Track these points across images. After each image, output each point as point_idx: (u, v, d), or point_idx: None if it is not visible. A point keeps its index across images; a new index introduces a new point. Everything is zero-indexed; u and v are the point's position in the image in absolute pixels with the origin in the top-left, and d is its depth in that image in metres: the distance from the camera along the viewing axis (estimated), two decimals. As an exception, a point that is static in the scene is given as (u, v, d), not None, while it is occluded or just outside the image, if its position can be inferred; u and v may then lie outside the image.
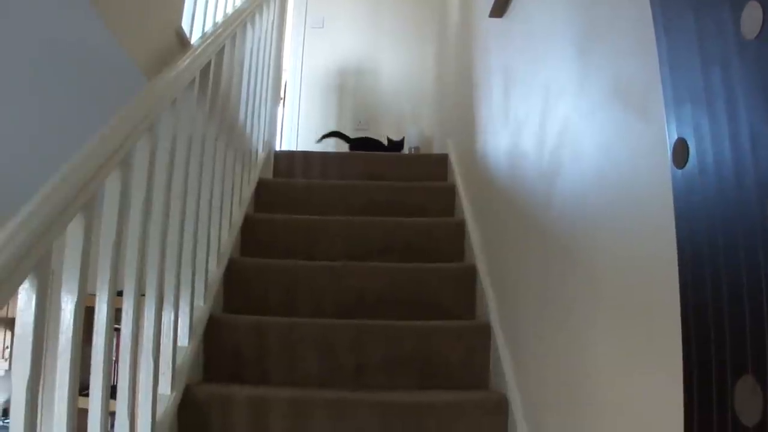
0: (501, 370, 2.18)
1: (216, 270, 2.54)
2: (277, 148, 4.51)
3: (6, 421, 3.91)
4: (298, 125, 5.46)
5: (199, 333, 2.27)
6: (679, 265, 0.84)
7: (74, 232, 1.33)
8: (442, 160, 3.97)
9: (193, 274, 2.19)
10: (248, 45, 3.07)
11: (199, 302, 2.31)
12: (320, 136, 5.03)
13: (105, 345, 1.47)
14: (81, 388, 1.36)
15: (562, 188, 1.64)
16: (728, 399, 0.70)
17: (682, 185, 0.82)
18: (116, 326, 1.56)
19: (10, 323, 4.30)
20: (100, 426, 1.46)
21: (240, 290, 2.71)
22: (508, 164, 2.30)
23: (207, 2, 2.66)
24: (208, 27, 2.59)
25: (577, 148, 1.53)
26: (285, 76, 5.17)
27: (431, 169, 3.91)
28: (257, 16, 3.23)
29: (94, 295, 1.49)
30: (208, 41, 2.31)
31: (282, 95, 5.10)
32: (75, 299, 1.33)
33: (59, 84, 2.14)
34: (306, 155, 4.16)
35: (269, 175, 3.87)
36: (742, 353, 0.68)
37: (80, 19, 1.74)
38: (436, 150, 4.76)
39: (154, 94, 1.77)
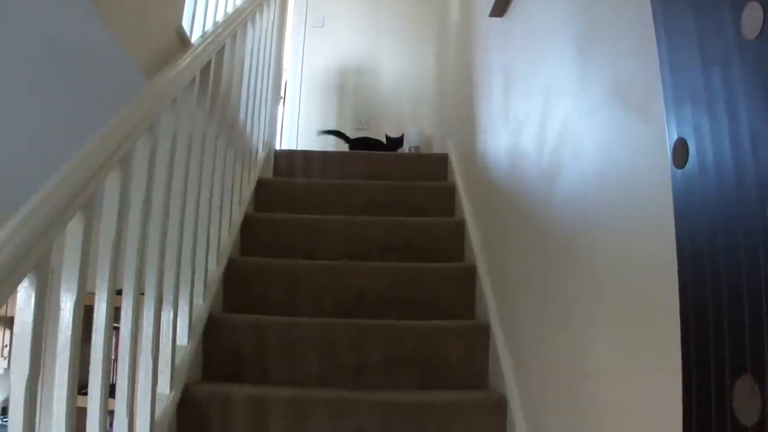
0: (500, 370, 2.18)
1: (215, 269, 2.54)
2: (277, 148, 4.51)
3: (5, 419, 3.91)
4: (298, 125, 5.46)
5: (198, 332, 2.27)
6: (678, 264, 0.84)
7: (74, 231, 1.33)
8: (442, 159, 3.96)
9: (193, 273, 2.19)
10: (248, 44, 3.07)
11: (199, 301, 2.31)
12: (322, 130, 5.03)
13: (104, 344, 1.47)
14: (80, 386, 1.36)
15: (562, 188, 1.64)
16: (727, 398, 0.70)
17: (682, 185, 0.82)
18: (115, 325, 1.56)
19: (9, 322, 4.29)
20: (99, 425, 1.46)
21: (240, 289, 2.71)
22: (508, 164, 2.30)
23: (207, 1, 2.66)
24: (209, 26, 2.59)
25: (578, 148, 1.53)
26: (285, 76, 5.17)
27: (431, 168, 3.91)
28: (258, 16, 3.23)
29: (94, 293, 1.49)
30: (208, 40, 2.31)
31: (282, 94, 5.10)
32: (74, 298, 1.32)
33: (59, 84, 2.14)
34: (306, 154, 4.16)
35: (269, 175, 3.87)
36: (741, 353, 0.68)
37: (80, 19, 1.73)
38: (436, 149, 4.76)
39: (155, 94, 1.77)
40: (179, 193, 2.03)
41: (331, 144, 5.30)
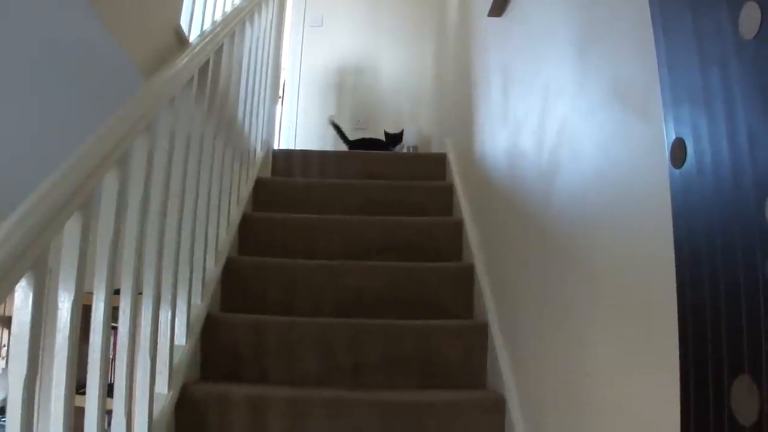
0: (499, 370, 2.18)
1: (214, 268, 2.54)
2: (276, 147, 4.51)
3: (3, 419, 3.91)
4: (296, 124, 5.46)
5: (196, 332, 2.27)
6: (676, 264, 0.84)
7: (72, 230, 1.33)
8: (441, 159, 3.96)
9: (191, 273, 2.19)
10: (247, 43, 3.07)
11: (197, 301, 2.30)
12: (333, 121, 5.01)
13: (102, 343, 1.47)
14: (78, 386, 1.36)
15: (561, 188, 1.64)
16: (725, 398, 0.70)
17: (680, 185, 0.82)
18: (113, 325, 1.55)
19: (6, 321, 4.29)
20: (96, 425, 1.45)
21: (238, 289, 2.70)
22: (506, 164, 2.30)
23: (206, 1, 2.65)
24: (207, 25, 2.59)
25: (576, 148, 1.53)
26: (284, 75, 5.17)
27: (429, 168, 3.91)
28: (256, 15, 3.22)
29: (92, 293, 1.48)
30: (206, 40, 2.31)
31: (280, 94, 5.10)
32: (72, 297, 1.32)
33: (59, 84, 2.14)
34: (304, 154, 4.16)
35: (267, 174, 3.86)
36: (738, 353, 0.68)
37: (79, 18, 1.73)
38: (435, 149, 4.76)
39: (153, 93, 1.77)
40: (177, 192, 2.02)
41: (330, 143, 5.30)
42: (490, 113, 2.65)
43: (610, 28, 1.34)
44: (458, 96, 3.67)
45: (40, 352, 1.17)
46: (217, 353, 2.36)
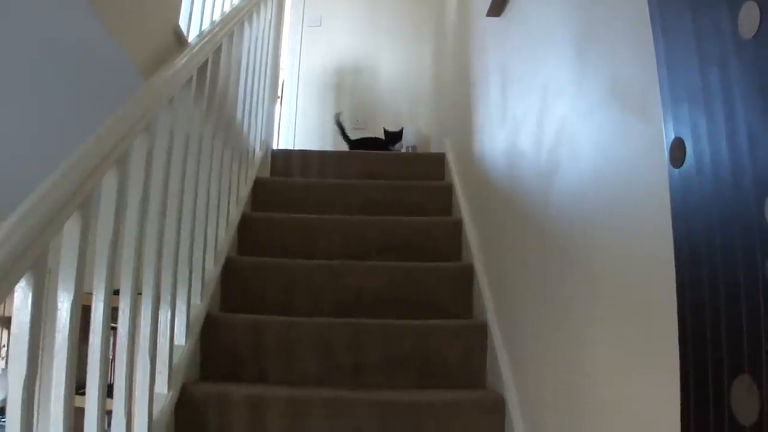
0: (498, 370, 2.18)
1: (213, 268, 2.54)
2: (275, 147, 4.51)
3: (3, 419, 3.91)
4: (295, 124, 5.45)
5: (196, 332, 2.26)
6: (676, 264, 0.84)
7: (71, 230, 1.33)
8: (440, 159, 3.96)
9: (190, 273, 2.19)
10: (246, 43, 3.07)
11: (196, 301, 2.30)
12: (337, 120, 5.01)
13: (102, 344, 1.47)
14: (78, 386, 1.36)
15: (559, 187, 1.64)
16: (725, 398, 0.70)
17: (679, 185, 0.82)
18: (113, 325, 1.55)
19: (6, 322, 4.29)
20: (96, 425, 1.45)
21: (237, 289, 2.70)
22: (505, 163, 2.30)
23: (204, 1, 2.65)
24: (206, 26, 2.59)
25: (575, 148, 1.53)
26: (282, 75, 5.16)
27: (428, 168, 3.91)
28: (255, 15, 3.22)
29: (91, 293, 1.48)
30: (205, 40, 2.30)
31: (279, 94, 5.10)
32: (71, 298, 1.32)
33: (59, 84, 2.14)
34: (303, 154, 4.16)
35: (266, 174, 3.86)
36: (738, 353, 0.68)
37: (78, 18, 1.73)
38: (434, 149, 4.76)
39: (152, 93, 1.77)
40: (176, 192, 2.02)
41: (329, 143, 5.30)
42: (488, 113, 2.65)
43: (609, 28, 1.34)
44: (457, 96, 3.67)
45: (40, 353, 1.17)
46: (216, 353, 2.36)
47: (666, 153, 0.85)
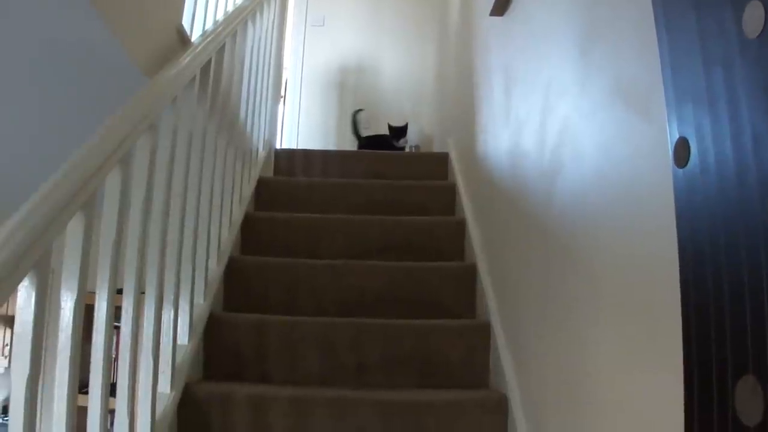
0: (501, 369, 2.18)
1: (216, 268, 2.54)
2: (278, 147, 4.51)
3: (6, 418, 3.92)
4: (298, 123, 5.46)
5: (199, 331, 2.27)
6: (680, 264, 0.84)
7: (74, 230, 1.33)
8: (443, 158, 3.96)
9: (193, 272, 2.19)
10: (249, 43, 3.07)
11: (199, 300, 2.31)
12: (354, 115, 5.03)
13: (105, 343, 1.47)
14: (80, 386, 1.36)
15: (562, 187, 1.64)
16: (729, 399, 0.70)
17: (684, 185, 0.82)
18: (116, 324, 1.56)
19: (10, 321, 4.30)
20: (99, 424, 1.45)
21: (240, 288, 2.71)
22: (508, 163, 2.30)
23: (207, 0, 2.65)
24: (209, 25, 2.59)
25: (578, 148, 1.53)
26: (285, 74, 5.16)
27: (432, 167, 3.91)
28: (258, 14, 3.22)
29: (94, 292, 1.48)
30: (208, 39, 2.31)
31: (282, 93, 5.10)
32: (75, 297, 1.32)
33: (59, 84, 2.14)
34: (306, 153, 4.16)
35: (270, 174, 3.86)
36: (743, 353, 0.68)
37: (80, 19, 1.73)
38: (437, 149, 4.75)
39: (155, 92, 1.77)
40: (180, 192, 2.02)
41: (332, 143, 5.30)
42: (492, 113, 2.65)
43: (613, 28, 1.34)
44: (460, 95, 3.67)
45: (43, 352, 1.17)
46: (219, 353, 2.36)
47: (670, 153, 0.85)
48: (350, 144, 5.25)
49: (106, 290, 1.50)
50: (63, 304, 1.32)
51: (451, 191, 3.51)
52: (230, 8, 2.82)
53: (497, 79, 2.56)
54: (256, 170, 3.47)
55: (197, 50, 2.16)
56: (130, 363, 1.64)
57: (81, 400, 1.35)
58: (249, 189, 3.25)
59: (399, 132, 4.84)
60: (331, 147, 5.18)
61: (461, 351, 2.38)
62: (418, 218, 3.15)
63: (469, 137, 3.20)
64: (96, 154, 1.40)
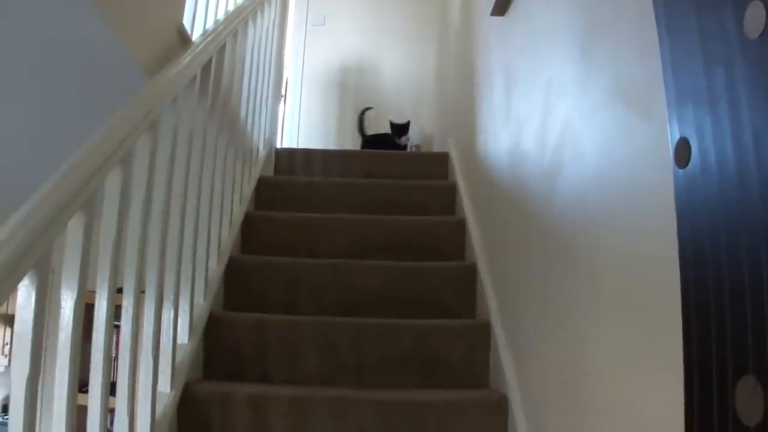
0: (501, 369, 2.18)
1: (216, 267, 2.54)
2: (278, 146, 4.51)
3: (6, 417, 3.92)
4: (299, 123, 5.46)
5: (199, 331, 2.27)
6: (680, 263, 0.84)
7: (74, 229, 1.33)
8: (443, 158, 3.96)
9: (194, 272, 2.19)
10: (249, 42, 3.07)
11: (199, 300, 2.30)
12: (361, 113, 5.04)
13: (105, 342, 1.47)
14: (80, 385, 1.36)
15: (563, 187, 1.64)
16: (729, 399, 0.69)
17: (684, 185, 0.82)
18: (116, 323, 1.56)
19: (10, 320, 4.30)
20: (99, 423, 1.45)
21: (240, 288, 2.71)
22: (509, 163, 2.30)
23: (208, 0, 2.66)
24: (210, 24, 2.59)
25: (579, 148, 1.53)
26: (286, 74, 5.16)
27: (432, 167, 3.91)
28: (259, 14, 3.22)
29: (94, 292, 1.48)
30: (209, 39, 2.31)
31: (283, 93, 5.10)
32: (75, 296, 1.32)
33: (59, 84, 2.14)
34: (307, 153, 4.16)
35: (270, 173, 3.86)
36: (743, 353, 0.68)
37: (81, 18, 1.73)
38: (437, 148, 4.75)
39: (155, 92, 1.77)
40: (180, 191, 2.02)
41: (333, 142, 5.30)
42: (492, 113, 2.65)
43: (614, 28, 1.33)
44: (460, 95, 3.67)
45: (43, 351, 1.17)
46: (219, 352, 2.36)
47: (671, 153, 0.85)
48: (351, 143, 5.25)
49: (106, 289, 1.50)
50: (63, 303, 1.32)
51: (452, 191, 3.51)
52: (231, 7, 2.82)
53: (498, 78, 2.56)
54: (257, 170, 3.47)
55: (198, 50, 2.16)
56: (130, 362, 1.64)
57: (81, 399, 1.35)
58: (249, 188, 3.25)
59: (401, 129, 4.84)
60: (331, 146, 5.18)
61: (461, 351, 2.38)
62: (419, 218, 3.15)
63: (470, 137, 3.20)
64: (96, 153, 1.40)
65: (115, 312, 1.54)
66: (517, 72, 2.24)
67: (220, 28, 2.46)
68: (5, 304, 3.73)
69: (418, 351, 2.37)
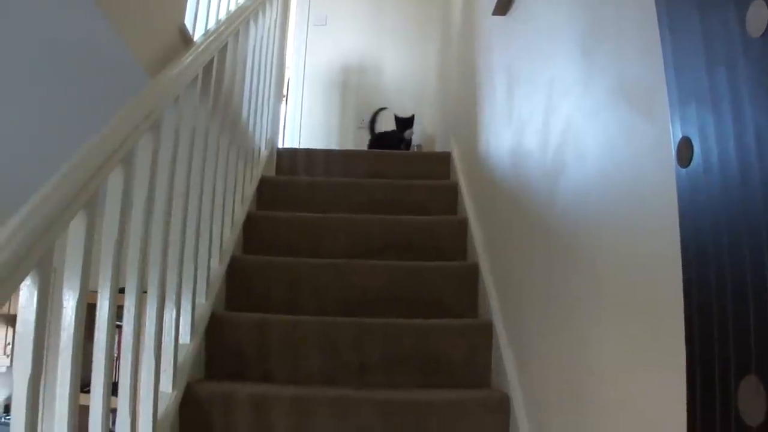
0: (503, 369, 2.18)
1: (218, 267, 2.54)
2: (280, 146, 4.51)
3: (7, 417, 3.92)
4: (300, 123, 5.46)
5: (200, 330, 2.27)
6: (683, 263, 0.83)
7: (76, 229, 1.33)
8: (445, 158, 3.96)
9: (195, 272, 2.19)
10: (251, 42, 3.07)
11: (201, 300, 2.31)
12: (375, 113, 5.04)
13: (106, 342, 1.47)
14: (82, 385, 1.36)
15: (565, 187, 1.64)
16: (731, 399, 0.69)
17: (687, 184, 0.82)
18: (118, 323, 1.55)
19: (12, 320, 4.30)
20: (101, 423, 1.45)
21: (242, 288, 2.71)
22: (511, 163, 2.30)
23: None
24: (211, 24, 2.59)
25: (581, 147, 1.53)
26: (288, 74, 5.16)
27: (434, 167, 3.90)
28: (260, 14, 3.22)
29: (96, 291, 1.48)
30: (210, 38, 2.31)
31: (285, 93, 5.10)
32: (77, 296, 1.32)
33: (60, 84, 2.14)
34: (308, 153, 4.16)
35: (272, 173, 3.87)
36: (745, 353, 0.68)
37: (84, 18, 1.73)
38: (439, 148, 4.75)
39: (157, 92, 1.77)
40: (182, 191, 2.02)
41: (334, 142, 5.30)
42: (494, 112, 2.64)
43: (616, 28, 1.33)
44: (462, 95, 3.67)
45: (45, 351, 1.17)
46: (221, 352, 2.36)
47: (673, 152, 0.85)
48: (353, 143, 5.25)
49: (108, 289, 1.50)
50: (65, 303, 1.33)
51: (453, 190, 3.51)
52: (232, 7, 2.82)
53: (500, 78, 2.56)
54: (258, 169, 3.47)
55: (200, 49, 2.16)
56: (132, 362, 1.64)
57: (83, 399, 1.35)
58: (251, 188, 3.25)
59: (406, 123, 4.83)
60: (333, 146, 5.19)
61: (463, 350, 2.38)
62: (420, 218, 3.15)
63: (472, 136, 3.19)
64: (98, 153, 1.40)
65: (117, 312, 1.54)
66: (519, 72, 2.24)
67: (222, 28, 2.46)
68: (7, 305, 3.73)
69: (420, 351, 2.37)
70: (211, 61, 2.32)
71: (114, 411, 1.56)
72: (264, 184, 3.46)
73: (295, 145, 5.27)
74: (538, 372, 1.86)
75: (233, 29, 2.61)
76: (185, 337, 2.12)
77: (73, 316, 1.32)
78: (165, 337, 1.92)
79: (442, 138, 4.60)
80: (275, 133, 4.04)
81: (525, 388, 1.98)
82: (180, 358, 2.04)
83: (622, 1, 1.31)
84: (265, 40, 3.42)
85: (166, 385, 1.93)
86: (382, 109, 5.07)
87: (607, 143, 1.36)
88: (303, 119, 5.47)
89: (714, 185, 0.76)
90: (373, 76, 5.49)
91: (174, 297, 1.98)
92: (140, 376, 1.75)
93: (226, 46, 2.53)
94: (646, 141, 1.15)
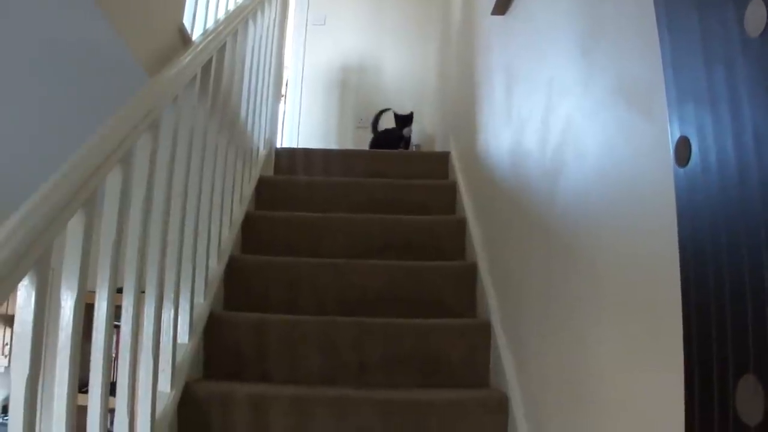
0: (502, 369, 2.17)
1: (216, 267, 2.54)
2: (278, 146, 4.51)
3: (5, 417, 3.92)
4: (299, 122, 5.46)
5: (199, 330, 2.26)
6: (681, 263, 0.83)
7: (74, 229, 1.33)
8: (444, 157, 3.96)
9: (194, 271, 2.19)
10: (250, 42, 3.07)
11: (200, 299, 2.30)
12: (379, 113, 5.04)
13: (105, 342, 1.47)
14: (80, 385, 1.36)
15: (564, 186, 1.64)
16: (729, 398, 0.69)
17: (685, 183, 0.82)
18: (116, 323, 1.55)
19: (9, 320, 4.30)
20: (99, 423, 1.45)
21: (241, 287, 2.70)
22: (510, 162, 2.30)
23: (209, -1, 2.66)
24: (210, 24, 2.59)
25: (580, 147, 1.53)
26: (286, 74, 5.16)
27: (433, 166, 3.91)
28: (259, 13, 3.22)
29: (94, 291, 1.48)
30: (209, 38, 2.31)
31: (283, 92, 5.10)
32: (75, 296, 1.32)
33: (59, 84, 2.14)
34: (307, 152, 4.16)
35: (270, 173, 3.86)
36: (743, 352, 0.68)
37: (83, 18, 1.73)
38: (438, 148, 4.75)
39: (156, 91, 1.77)
40: (180, 191, 2.02)
41: (333, 141, 5.30)
42: (493, 112, 2.64)
43: (615, 27, 1.33)
44: (462, 95, 3.66)
45: (43, 351, 1.17)
46: (220, 352, 2.36)
47: (671, 152, 0.85)
48: (351, 143, 5.25)
49: (107, 289, 1.50)
50: (63, 303, 1.32)
51: (452, 190, 3.51)
52: (231, 7, 2.82)
53: (499, 78, 2.56)
54: (257, 169, 3.47)
55: (198, 49, 2.16)
56: (130, 362, 1.64)
57: (81, 399, 1.35)
58: (249, 188, 3.25)
59: (405, 120, 4.83)
60: (332, 146, 5.18)
61: (462, 350, 2.38)
62: (419, 217, 3.15)
63: (471, 136, 3.19)
64: (97, 153, 1.40)
65: (115, 312, 1.53)
66: (518, 71, 2.24)
67: (221, 27, 2.46)
68: (5, 304, 3.73)
69: (419, 350, 2.37)
70: (210, 60, 2.32)
71: (112, 411, 1.56)
72: (262, 184, 3.46)
73: (294, 145, 5.26)
74: (536, 372, 1.86)
75: (232, 29, 2.61)
76: (183, 337, 2.12)
77: (71, 316, 1.31)
78: (163, 336, 1.92)
79: (442, 137, 4.60)
80: (274, 132, 4.04)
81: (524, 388, 1.98)
82: (178, 358, 2.04)
83: (620, 0, 1.31)
84: (263, 39, 3.42)
85: (165, 385, 1.93)
86: (385, 110, 5.07)
87: (607, 143, 1.36)
88: (301, 119, 5.47)
89: (712, 185, 0.75)
90: (372, 75, 5.48)
91: (172, 297, 1.98)
92: (138, 376, 1.75)
93: (224, 45, 2.53)
94: (645, 140, 1.15)
